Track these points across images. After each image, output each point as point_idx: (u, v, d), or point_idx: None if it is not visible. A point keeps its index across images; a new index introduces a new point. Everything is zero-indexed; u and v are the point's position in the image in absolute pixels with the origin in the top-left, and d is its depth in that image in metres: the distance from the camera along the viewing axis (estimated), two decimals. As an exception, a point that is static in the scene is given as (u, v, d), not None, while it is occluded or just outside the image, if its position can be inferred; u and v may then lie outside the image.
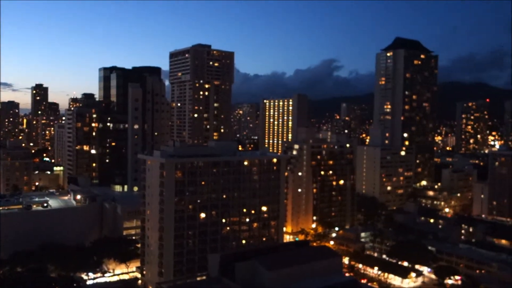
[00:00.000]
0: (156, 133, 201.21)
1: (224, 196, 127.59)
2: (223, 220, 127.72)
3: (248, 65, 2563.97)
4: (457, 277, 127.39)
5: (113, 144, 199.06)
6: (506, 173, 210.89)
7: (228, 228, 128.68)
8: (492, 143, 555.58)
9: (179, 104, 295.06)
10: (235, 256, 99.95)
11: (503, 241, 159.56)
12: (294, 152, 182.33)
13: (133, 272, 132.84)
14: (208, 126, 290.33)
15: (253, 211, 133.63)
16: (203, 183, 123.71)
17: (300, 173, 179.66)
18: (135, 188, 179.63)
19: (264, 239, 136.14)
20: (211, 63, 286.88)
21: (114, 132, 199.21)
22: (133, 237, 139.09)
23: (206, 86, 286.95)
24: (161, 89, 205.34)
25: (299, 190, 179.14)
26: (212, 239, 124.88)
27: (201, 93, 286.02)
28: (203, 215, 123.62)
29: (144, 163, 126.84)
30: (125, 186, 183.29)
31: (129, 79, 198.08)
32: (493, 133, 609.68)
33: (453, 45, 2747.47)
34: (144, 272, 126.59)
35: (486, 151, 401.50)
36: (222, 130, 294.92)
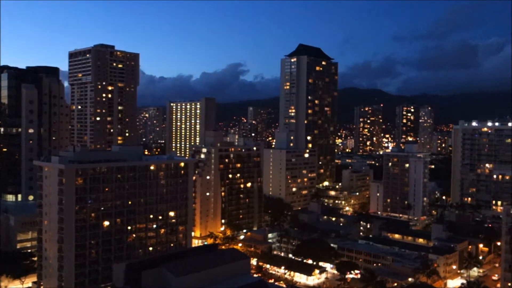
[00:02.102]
0: (54, 138, 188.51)
1: (130, 203, 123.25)
2: (129, 228, 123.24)
3: (153, 67, 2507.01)
4: (356, 271, 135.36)
5: (5, 150, 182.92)
6: (398, 173, 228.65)
7: (134, 235, 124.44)
8: (386, 145, 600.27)
9: (79, 107, 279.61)
10: (141, 264, 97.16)
11: (396, 236, 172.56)
12: (202, 156, 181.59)
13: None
14: (111, 130, 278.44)
15: (160, 217, 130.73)
16: (106, 189, 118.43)
17: (208, 177, 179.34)
18: (31, 197, 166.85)
19: (172, 245, 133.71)
20: (114, 64, 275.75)
21: (6, 136, 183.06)
22: (29, 250, 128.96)
23: (109, 88, 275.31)
24: (59, 91, 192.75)
25: (208, 193, 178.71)
26: (117, 248, 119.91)
27: (104, 95, 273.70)
28: (107, 223, 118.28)
29: (41, 170, 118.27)
30: (19, 196, 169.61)
31: (23, 80, 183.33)
32: (387, 135, 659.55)
33: (350, 53, 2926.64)
34: (42, 287, 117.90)
35: (381, 153, 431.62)
36: (127, 134, 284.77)
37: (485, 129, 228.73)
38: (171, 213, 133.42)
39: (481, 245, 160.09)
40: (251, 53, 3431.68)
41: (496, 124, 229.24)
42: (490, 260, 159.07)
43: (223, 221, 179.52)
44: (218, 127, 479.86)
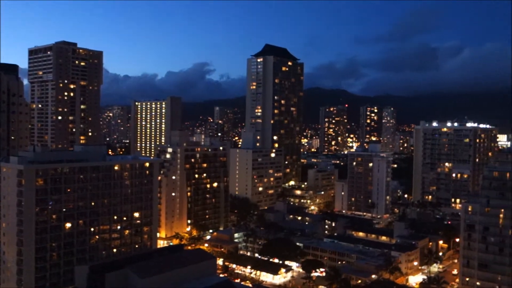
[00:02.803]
0: (13, 137, 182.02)
1: (93, 204, 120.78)
2: (92, 229, 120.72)
3: (118, 65, 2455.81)
4: (322, 269, 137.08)
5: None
6: (362, 172, 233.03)
7: (97, 237, 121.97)
8: (350, 144, 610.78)
9: (40, 106, 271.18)
10: (105, 266, 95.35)
11: (360, 234, 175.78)
12: (168, 156, 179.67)
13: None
14: (73, 130, 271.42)
15: (124, 218, 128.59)
16: (68, 190, 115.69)
17: (174, 177, 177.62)
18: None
19: (136, 246, 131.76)
20: (77, 62, 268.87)
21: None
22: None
23: (71, 86, 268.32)
24: (18, 89, 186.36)
25: (173, 194, 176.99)
26: (79, 250, 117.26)
27: (66, 93, 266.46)
28: (69, 224, 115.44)
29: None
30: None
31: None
32: (351, 135, 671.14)
33: (315, 53, 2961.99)
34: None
35: (346, 152, 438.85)
36: (89, 134, 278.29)
37: (445, 129, 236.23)
38: (136, 214, 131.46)
39: (441, 242, 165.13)
40: (217, 52, 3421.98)
41: (455, 124, 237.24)
42: (450, 256, 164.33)
43: (189, 221, 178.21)
44: (184, 127, 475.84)
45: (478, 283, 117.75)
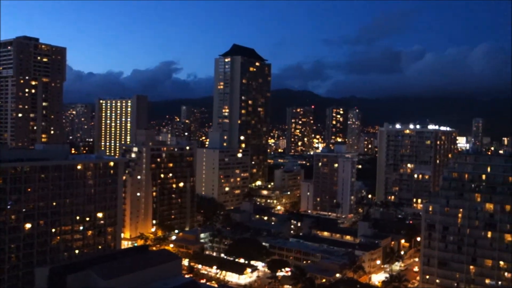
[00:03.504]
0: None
1: (54, 204, 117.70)
2: (53, 230, 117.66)
3: (82, 62, 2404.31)
4: (287, 269, 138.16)
5: None
6: (327, 172, 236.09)
7: (58, 238, 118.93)
8: (316, 145, 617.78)
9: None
10: (66, 268, 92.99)
11: (325, 233, 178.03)
12: (133, 155, 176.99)
13: None
14: (35, 127, 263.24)
15: (87, 218, 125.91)
16: (29, 190, 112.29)
17: (139, 177, 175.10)
18: None
19: (100, 247, 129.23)
20: (39, 58, 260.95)
21: None
22: None
23: (33, 83, 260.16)
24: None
25: (138, 194, 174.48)
26: (40, 251, 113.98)
27: (27, 90, 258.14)
28: (29, 225, 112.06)
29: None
30: None
31: None
32: (317, 136, 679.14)
33: (282, 54, 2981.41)
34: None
35: (312, 153, 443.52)
36: (52, 132, 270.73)
37: (408, 131, 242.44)
38: (99, 214, 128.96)
39: (402, 241, 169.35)
40: (184, 51, 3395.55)
41: (417, 126, 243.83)
42: (411, 254, 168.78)
43: (154, 221, 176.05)
44: (150, 126, 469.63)
45: (437, 281, 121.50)
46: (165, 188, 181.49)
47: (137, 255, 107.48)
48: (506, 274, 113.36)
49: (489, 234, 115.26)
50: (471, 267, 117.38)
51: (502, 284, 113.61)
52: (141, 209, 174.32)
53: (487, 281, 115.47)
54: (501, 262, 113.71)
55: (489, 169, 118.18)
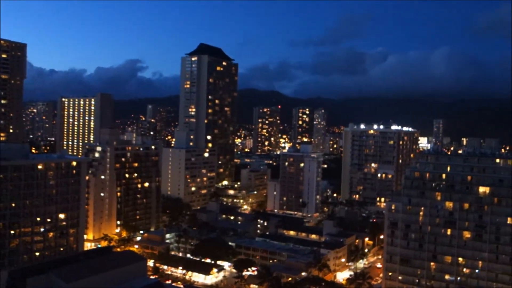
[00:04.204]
0: None
1: (14, 205, 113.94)
2: (12, 232, 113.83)
3: (43, 59, 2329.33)
4: (253, 268, 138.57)
5: None
6: (293, 172, 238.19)
7: (18, 240, 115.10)
8: (283, 145, 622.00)
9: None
10: (26, 271, 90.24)
11: (291, 232, 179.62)
12: (97, 155, 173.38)
13: None
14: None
15: (48, 220, 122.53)
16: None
17: (103, 177, 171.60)
18: None
19: (62, 249, 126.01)
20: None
21: None
22: None
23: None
24: None
25: (102, 194, 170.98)
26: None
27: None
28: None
29: None
30: None
31: None
32: (284, 136, 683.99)
33: (249, 54, 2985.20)
34: None
35: (278, 152, 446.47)
36: (11, 131, 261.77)
37: (371, 131, 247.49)
38: (61, 216, 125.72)
39: (366, 239, 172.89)
40: (149, 49, 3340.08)
41: (381, 127, 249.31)
42: (374, 252, 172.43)
43: (118, 222, 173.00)
44: (114, 125, 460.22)
45: (400, 277, 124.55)
46: (130, 188, 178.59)
47: (100, 257, 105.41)
48: (464, 269, 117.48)
49: (449, 232, 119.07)
50: (432, 263, 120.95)
51: (461, 279, 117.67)
52: (105, 209, 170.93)
53: (446, 276, 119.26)
54: (460, 258, 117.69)
55: (448, 169, 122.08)
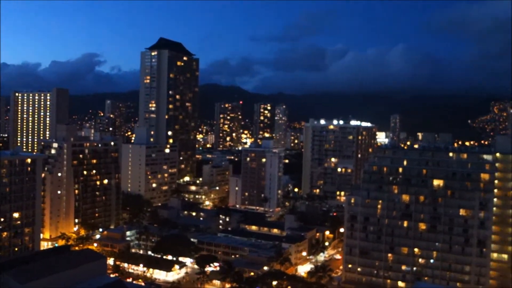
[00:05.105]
0: None
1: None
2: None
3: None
4: (216, 264, 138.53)
5: None
6: (255, 167, 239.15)
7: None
8: (244, 140, 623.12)
9: None
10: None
11: (253, 227, 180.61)
12: (53, 151, 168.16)
13: None
14: None
15: (2, 219, 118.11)
16: None
17: (60, 174, 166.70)
18: None
19: (16, 249, 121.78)
20: None
21: None
22: None
23: None
24: None
25: (59, 192, 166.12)
26: None
27: None
28: None
29: None
30: None
31: None
32: (246, 131, 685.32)
33: (210, 49, 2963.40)
34: None
35: (240, 148, 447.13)
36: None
37: (331, 127, 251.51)
38: (16, 214, 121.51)
39: (327, 232, 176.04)
40: (108, 43, 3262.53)
41: (341, 122, 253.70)
42: (335, 245, 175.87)
43: (76, 220, 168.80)
44: (71, 121, 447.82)
45: (359, 269, 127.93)
46: (88, 186, 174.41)
47: (57, 256, 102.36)
48: (420, 260, 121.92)
49: (405, 224, 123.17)
50: (389, 255, 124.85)
51: (417, 269, 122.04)
52: (62, 207, 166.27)
53: (403, 267, 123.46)
54: (416, 249, 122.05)
55: (405, 163, 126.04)
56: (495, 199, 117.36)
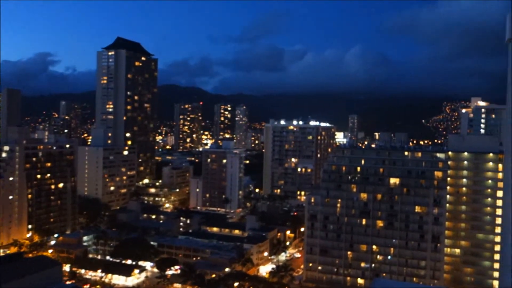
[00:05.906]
0: None
1: None
2: None
3: None
4: (177, 267, 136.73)
5: None
6: (216, 168, 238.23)
7: None
8: (205, 141, 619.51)
9: None
10: None
11: (214, 229, 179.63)
12: (4, 155, 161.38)
13: None
14: None
15: None
16: None
17: (11, 178, 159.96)
18: None
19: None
20: None
21: None
22: None
23: None
24: None
25: (11, 197, 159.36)
26: None
27: None
28: None
29: None
30: None
31: None
32: (206, 132, 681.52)
33: (169, 49, 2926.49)
34: None
35: (200, 149, 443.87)
36: None
37: (291, 127, 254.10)
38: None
39: (288, 232, 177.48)
40: (62, 42, 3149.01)
41: (300, 123, 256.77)
42: (296, 244, 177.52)
43: (30, 226, 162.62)
44: (23, 123, 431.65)
45: (320, 267, 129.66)
46: (42, 190, 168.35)
47: (9, 264, 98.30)
48: (378, 257, 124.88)
49: (364, 222, 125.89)
50: (349, 252, 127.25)
51: (375, 266, 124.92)
52: (14, 213, 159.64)
53: (362, 264, 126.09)
54: (374, 246, 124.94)
55: (363, 162, 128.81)
56: (448, 196, 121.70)
